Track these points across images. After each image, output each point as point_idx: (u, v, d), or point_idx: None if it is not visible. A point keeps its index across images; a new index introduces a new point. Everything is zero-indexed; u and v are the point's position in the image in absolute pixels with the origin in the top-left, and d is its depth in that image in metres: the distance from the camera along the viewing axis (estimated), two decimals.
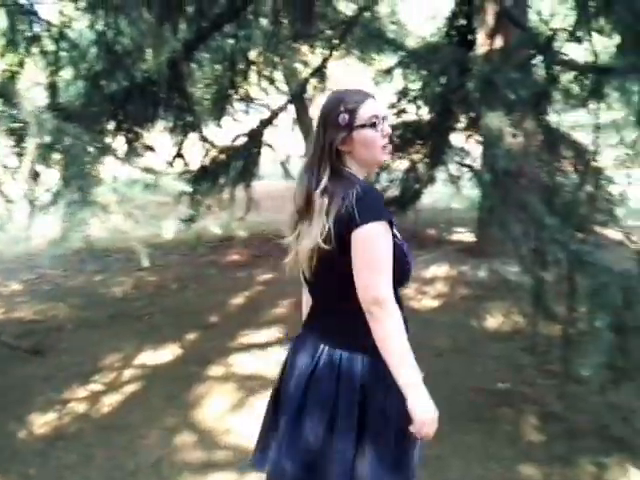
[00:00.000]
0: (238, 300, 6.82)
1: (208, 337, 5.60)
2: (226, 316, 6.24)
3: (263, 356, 5.09)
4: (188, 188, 5.04)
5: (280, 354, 5.08)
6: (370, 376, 1.97)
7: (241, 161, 7.91)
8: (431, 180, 9.25)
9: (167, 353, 5.24)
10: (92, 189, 3.02)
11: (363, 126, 2.00)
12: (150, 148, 7.13)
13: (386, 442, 1.97)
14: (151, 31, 5.70)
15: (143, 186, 3.35)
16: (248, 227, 11.31)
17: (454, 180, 7.40)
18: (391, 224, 1.92)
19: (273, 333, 5.63)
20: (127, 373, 4.87)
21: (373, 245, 1.87)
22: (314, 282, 2.11)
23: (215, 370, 4.84)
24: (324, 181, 1.96)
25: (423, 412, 1.86)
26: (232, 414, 4.11)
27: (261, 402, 4.20)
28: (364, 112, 2.01)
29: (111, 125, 6.58)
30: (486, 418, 3.87)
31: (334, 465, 1.95)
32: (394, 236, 1.96)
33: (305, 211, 2.01)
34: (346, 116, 1.99)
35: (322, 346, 2.04)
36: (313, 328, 2.18)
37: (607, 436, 3.62)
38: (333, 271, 1.98)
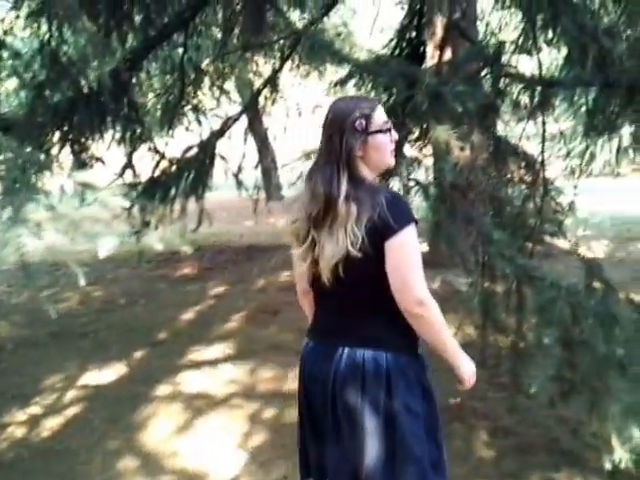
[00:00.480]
0: (188, 315, 6.68)
1: (156, 355, 5.46)
2: (175, 332, 6.10)
3: (212, 373, 4.98)
4: (126, 203, 4.90)
5: (230, 371, 4.99)
6: (394, 373, 2.01)
7: (192, 172, 7.79)
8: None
9: (112, 372, 5.08)
10: (24, 206, 2.89)
11: (378, 131, 2.05)
12: (99, 160, 6.98)
13: (417, 435, 2.01)
14: (94, 41, 5.55)
15: (81, 201, 3.24)
16: (200, 239, 11.22)
17: (407, 191, 7.37)
18: (416, 222, 1.99)
19: (223, 349, 5.52)
20: (69, 394, 4.71)
21: (410, 249, 1.94)
22: (337, 289, 2.07)
23: (162, 389, 4.70)
24: (345, 188, 1.97)
25: (471, 369, 2.14)
26: (178, 436, 3.97)
27: (208, 423, 4.10)
28: (378, 117, 2.06)
29: (56, 136, 6.42)
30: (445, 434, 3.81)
31: (367, 461, 1.99)
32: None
33: (322, 219, 2.02)
34: (363, 121, 2.01)
35: (341, 348, 2.07)
36: (330, 333, 2.18)
37: (557, 450, 3.59)
38: (363, 276, 2.02)
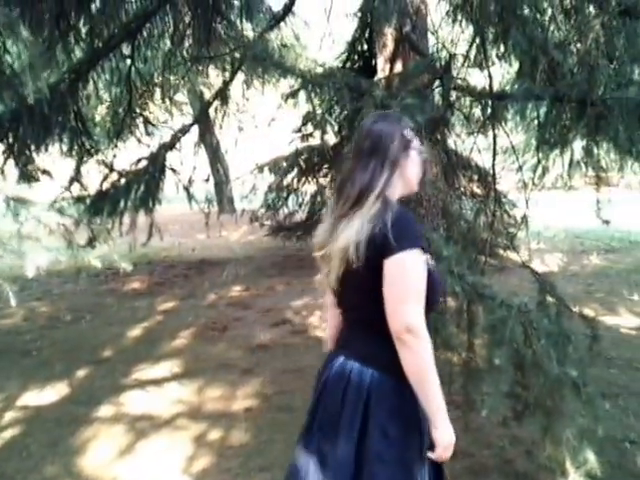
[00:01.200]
0: (135, 332, 6.50)
1: (99, 374, 5.26)
2: (121, 350, 5.91)
3: (157, 393, 4.82)
4: (58, 218, 4.75)
5: (176, 390, 4.84)
6: (376, 391, 1.96)
7: (142, 185, 7.65)
8: None
9: (54, 392, 4.88)
10: None
11: (413, 147, 2.11)
12: (46, 172, 6.81)
13: (387, 461, 1.93)
14: (37, 52, 5.39)
15: (15, 217, 3.10)
16: (151, 253, 11.05)
17: None
18: (424, 250, 1.95)
19: (170, 367, 5.36)
20: (7, 416, 4.49)
21: (406, 274, 1.88)
22: (343, 301, 2.16)
23: (104, 410, 4.52)
24: (381, 187, 1.98)
25: (448, 438, 1.93)
26: (119, 460, 3.80)
27: (151, 445, 3.95)
28: (411, 134, 2.12)
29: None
30: None
31: (333, 473, 1.98)
32: (426, 262, 1.96)
33: (345, 214, 2.01)
34: (408, 138, 2.08)
35: (340, 357, 2.09)
36: (337, 343, 2.24)
37: (511, 472, 3.53)
38: (359, 288, 2.02)
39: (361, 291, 2.01)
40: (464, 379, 3.56)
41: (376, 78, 6.53)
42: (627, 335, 5.99)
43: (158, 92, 10.10)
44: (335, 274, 2.03)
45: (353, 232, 1.92)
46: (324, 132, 7.72)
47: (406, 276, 1.87)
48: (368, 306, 1.98)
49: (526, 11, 4.43)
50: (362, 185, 1.99)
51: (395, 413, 1.95)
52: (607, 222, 4.79)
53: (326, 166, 9.73)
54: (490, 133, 4.84)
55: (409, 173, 2.10)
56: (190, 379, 5.06)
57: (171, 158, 7.89)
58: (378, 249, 1.88)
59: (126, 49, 7.37)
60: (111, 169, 7.49)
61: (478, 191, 6.73)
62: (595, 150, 4.92)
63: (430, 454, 1.93)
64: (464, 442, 3.84)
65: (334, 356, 2.14)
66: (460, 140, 6.16)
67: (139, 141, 9.19)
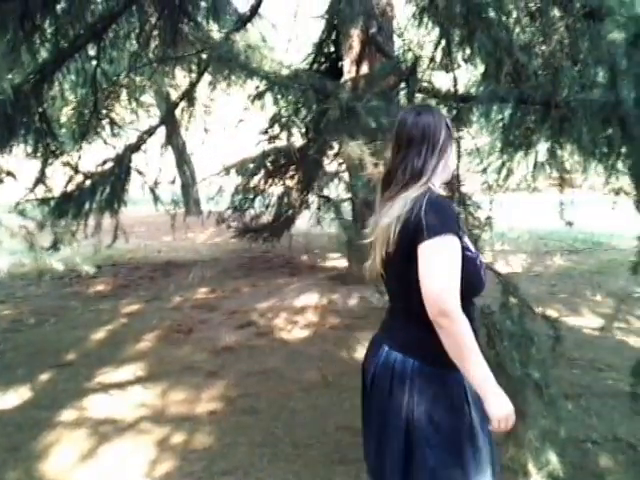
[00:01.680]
0: (99, 335, 6.42)
1: (62, 377, 5.19)
2: (84, 353, 5.83)
3: (121, 397, 4.76)
4: (20, 221, 4.69)
5: (140, 394, 4.79)
6: (419, 380, 2.02)
7: (107, 187, 7.60)
8: (305, 205, 9.22)
9: (16, 396, 4.80)
10: None
11: (453, 137, 2.23)
12: (10, 174, 6.72)
13: (435, 446, 1.99)
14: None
15: None
16: (116, 255, 10.95)
17: (318, 208, 7.36)
18: (459, 235, 1.96)
19: (134, 371, 5.30)
20: None
21: (440, 258, 1.91)
22: (387, 289, 2.24)
23: (67, 415, 4.45)
24: (429, 175, 2.06)
25: (501, 410, 1.95)
26: (81, 465, 3.75)
27: (114, 449, 3.91)
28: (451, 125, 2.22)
29: None
30: (352, 459, 3.68)
31: (389, 462, 2.06)
32: (465, 248, 2.00)
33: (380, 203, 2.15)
34: (450, 129, 2.17)
35: (385, 347, 2.13)
36: (381, 330, 2.28)
37: None
38: (397, 276, 2.10)
39: (399, 279, 2.09)
40: None
41: (343, 80, 6.57)
42: (590, 336, 6.06)
43: (124, 93, 10.04)
44: (380, 258, 2.08)
45: (395, 212, 2.00)
46: (290, 134, 7.74)
47: (440, 260, 1.91)
48: (407, 294, 2.03)
49: (491, 14, 4.46)
50: (414, 171, 2.06)
51: (439, 399, 2.01)
52: (570, 223, 4.84)
53: (293, 168, 9.72)
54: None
55: (451, 161, 2.21)
56: (154, 382, 5.01)
57: (137, 159, 7.85)
58: (412, 234, 1.95)
59: (92, 50, 7.30)
60: (76, 170, 7.43)
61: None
62: (559, 152, 4.98)
63: (490, 427, 2.00)
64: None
65: (379, 344, 2.18)
66: None
67: (105, 142, 9.12)
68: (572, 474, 3.45)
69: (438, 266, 1.90)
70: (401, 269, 2.03)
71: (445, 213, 1.98)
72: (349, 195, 6.46)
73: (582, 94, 3.84)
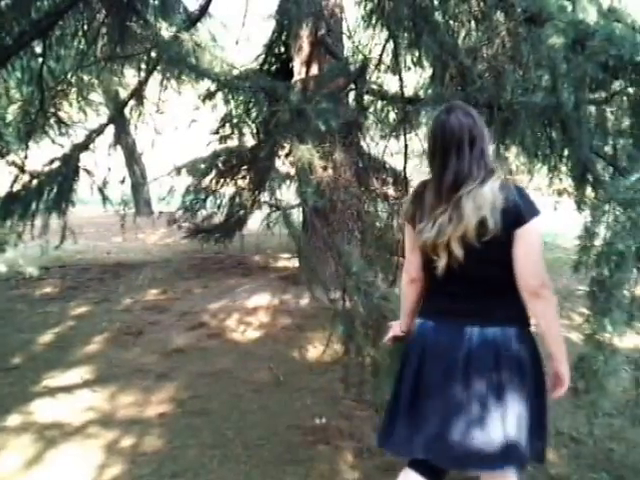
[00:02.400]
0: (46, 338, 6.29)
1: (7, 381, 5.07)
2: (30, 357, 5.71)
3: (68, 401, 4.67)
4: None
5: (88, 397, 4.73)
6: (522, 346, 2.26)
7: (55, 187, 7.47)
8: (257, 206, 9.20)
9: None
10: None
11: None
12: None
13: (542, 406, 2.31)
14: None
15: None
16: (64, 256, 10.77)
17: (268, 215, 7.37)
18: None
19: (82, 374, 5.21)
20: None
21: (538, 237, 2.23)
22: (461, 270, 2.28)
23: (12, 419, 4.36)
24: (481, 177, 2.19)
25: (568, 375, 2.30)
26: (27, 470, 3.67)
27: (61, 454, 3.84)
28: None
29: None
30: (302, 459, 3.71)
31: (512, 427, 2.19)
32: None
33: (446, 201, 2.23)
34: None
35: (474, 328, 2.26)
36: (455, 314, 2.34)
37: None
38: (489, 259, 2.25)
39: (493, 262, 2.26)
40: (375, 380, 3.61)
41: (293, 81, 6.57)
42: (534, 332, 6.16)
43: (72, 91, 9.88)
44: (462, 251, 2.21)
45: (487, 204, 2.15)
46: (242, 134, 7.72)
47: (539, 239, 2.24)
48: (498, 273, 2.26)
49: (438, 17, 4.52)
50: (488, 166, 2.25)
51: (536, 352, 2.31)
52: None
53: (244, 168, 9.70)
54: (403, 136, 4.93)
55: (491, 154, 2.40)
56: (102, 385, 4.95)
57: (85, 159, 7.73)
58: (512, 218, 2.15)
59: (38, 47, 7.19)
60: (22, 170, 7.31)
61: (392, 194, 6.82)
62: (506, 153, 5.07)
63: (557, 390, 2.32)
64: (375, 440, 3.89)
65: (460, 329, 2.29)
66: (374, 143, 6.24)
67: (53, 141, 8.98)
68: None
69: (538, 244, 2.23)
70: (498, 253, 2.22)
71: (530, 197, 2.25)
72: (299, 201, 6.49)
73: (525, 97, 3.91)
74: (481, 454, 2.20)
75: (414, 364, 2.38)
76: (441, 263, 2.27)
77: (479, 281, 2.32)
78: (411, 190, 2.50)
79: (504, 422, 2.18)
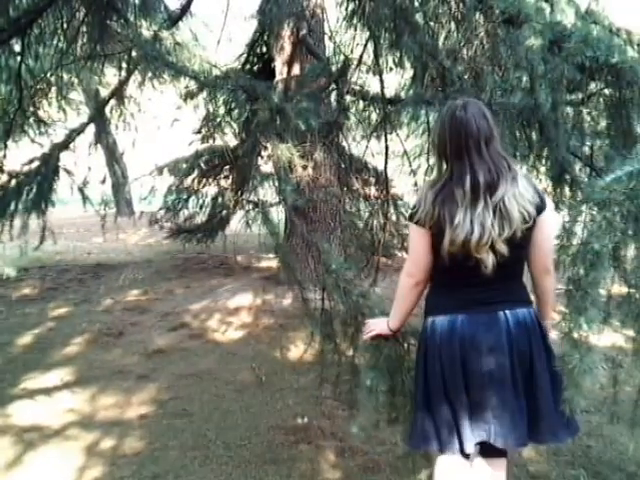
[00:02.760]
0: (25, 340, 6.25)
1: None
2: (9, 359, 5.67)
3: (48, 403, 4.65)
4: None
5: (68, 399, 4.70)
6: (537, 321, 2.44)
7: (34, 187, 7.41)
8: (239, 206, 9.19)
9: None
10: None
11: None
12: None
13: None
14: None
15: None
16: (44, 257, 10.71)
17: (247, 211, 7.34)
18: None
19: (61, 376, 5.18)
20: None
21: (554, 219, 2.41)
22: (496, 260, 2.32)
23: None
24: (511, 176, 2.29)
25: None
26: (7, 473, 3.65)
27: (40, 457, 3.82)
28: None
29: None
30: (284, 458, 3.72)
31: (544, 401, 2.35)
32: None
33: (477, 198, 2.27)
34: None
35: (504, 313, 2.37)
36: (485, 302, 2.39)
37: (404, 468, 3.58)
38: (520, 245, 2.33)
39: (520, 247, 2.34)
40: (351, 379, 3.61)
41: (275, 81, 6.58)
42: None
43: (52, 90, 9.81)
44: (505, 250, 2.27)
45: (527, 203, 2.28)
46: (224, 134, 7.70)
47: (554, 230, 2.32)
48: (521, 257, 2.41)
49: (419, 19, 4.54)
50: (509, 161, 2.36)
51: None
52: None
53: (227, 168, 9.69)
54: (384, 137, 4.94)
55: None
56: (82, 387, 4.92)
57: (65, 158, 7.67)
58: (538, 206, 2.32)
59: (16, 45, 7.13)
60: (1, 170, 7.24)
61: (373, 194, 6.85)
62: None
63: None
64: (357, 440, 3.90)
65: (492, 316, 2.37)
66: (355, 143, 6.26)
67: (32, 141, 8.92)
68: None
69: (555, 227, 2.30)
70: (524, 239, 2.32)
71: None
72: (278, 199, 6.48)
73: (504, 98, 3.93)
74: (553, 427, 2.36)
75: (454, 362, 2.37)
76: (488, 262, 2.29)
77: (504, 267, 2.35)
78: (421, 192, 2.43)
79: (554, 395, 2.29)
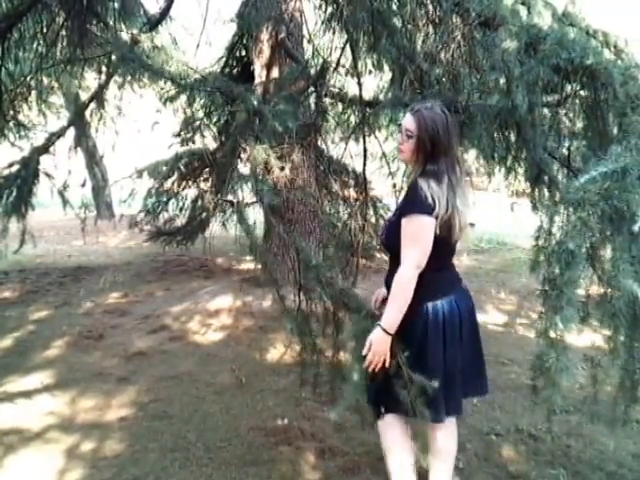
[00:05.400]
0: (5, 343, 6.20)
1: None
2: None
3: (28, 406, 4.62)
4: None
5: (47, 402, 4.68)
6: None
7: (14, 190, 7.38)
8: (219, 208, 9.19)
9: None
10: None
11: None
12: None
13: None
14: None
15: None
16: (24, 260, 10.65)
17: (223, 211, 7.35)
18: None
19: (41, 378, 5.15)
20: None
21: None
22: (454, 245, 2.84)
23: None
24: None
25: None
26: None
27: (20, 460, 3.80)
28: None
29: None
30: (264, 460, 3.73)
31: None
32: None
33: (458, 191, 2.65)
34: None
35: (467, 291, 2.93)
36: (458, 283, 2.91)
37: (384, 469, 3.59)
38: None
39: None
40: (331, 378, 3.63)
41: (254, 84, 6.59)
42: (494, 332, 6.27)
43: (32, 94, 9.78)
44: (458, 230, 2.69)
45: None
46: (203, 136, 7.71)
47: None
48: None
49: (396, 22, 4.57)
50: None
51: None
52: (472, 224, 5.00)
53: (207, 170, 9.68)
54: (362, 139, 4.97)
55: None
56: (63, 390, 4.90)
57: (45, 162, 7.64)
58: None
59: None
60: None
61: (352, 195, 6.89)
62: (464, 155, 5.13)
63: None
64: (338, 441, 3.93)
65: (464, 291, 2.91)
66: (334, 145, 6.29)
67: (12, 144, 8.88)
68: (477, 465, 3.60)
69: None
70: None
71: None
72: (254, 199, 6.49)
73: (481, 100, 3.98)
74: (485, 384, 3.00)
75: (455, 337, 2.73)
76: (459, 238, 2.74)
77: (450, 257, 2.90)
78: (435, 188, 2.62)
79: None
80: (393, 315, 2.60)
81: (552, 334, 2.24)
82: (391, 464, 3.01)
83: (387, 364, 2.66)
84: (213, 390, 4.87)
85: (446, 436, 3.02)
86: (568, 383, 2.22)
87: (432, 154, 2.63)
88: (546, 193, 4.13)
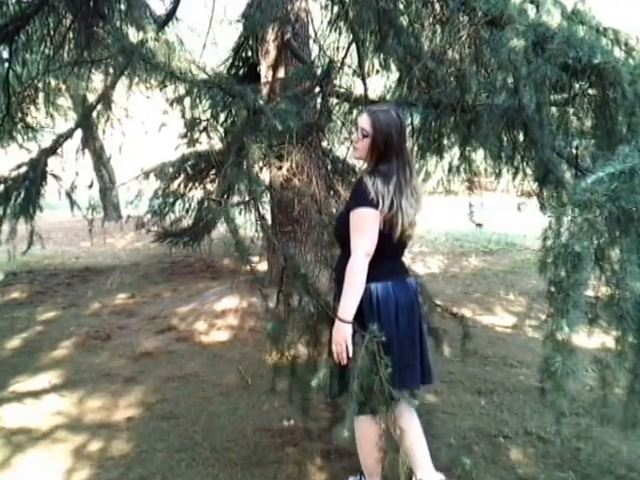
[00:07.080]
0: (13, 343, 6.24)
1: None
2: None
3: (36, 405, 4.64)
4: None
5: (56, 402, 4.69)
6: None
7: (22, 192, 7.39)
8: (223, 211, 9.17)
9: None
10: None
11: None
12: None
13: None
14: None
15: None
16: (32, 261, 10.68)
17: (220, 201, 7.33)
18: None
19: (49, 379, 5.17)
20: None
21: None
22: (405, 238, 2.95)
23: None
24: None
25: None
26: None
27: (28, 459, 3.81)
28: None
29: None
30: (270, 461, 3.72)
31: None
32: None
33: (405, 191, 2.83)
34: None
35: (408, 280, 3.04)
36: (402, 272, 3.07)
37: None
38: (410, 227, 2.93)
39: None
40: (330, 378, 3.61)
41: (260, 84, 6.58)
42: (502, 333, 6.23)
43: (40, 96, 9.80)
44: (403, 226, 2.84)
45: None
46: (210, 137, 7.69)
47: None
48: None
49: (403, 21, 4.56)
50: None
51: None
52: (480, 225, 4.99)
53: (213, 172, 9.68)
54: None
55: None
56: (70, 390, 4.91)
57: (53, 164, 7.66)
58: None
59: (4, 52, 7.12)
60: None
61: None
62: (472, 155, 5.12)
63: None
64: (343, 442, 3.90)
65: (405, 281, 3.02)
66: (339, 146, 6.27)
67: (20, 146, 8.91)
68: (484, 467, 3.58)
69: None
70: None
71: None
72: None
73: (488, 99, 3.96)
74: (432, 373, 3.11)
75: (391, 318, 2.86)
76: (409, 234, 2.94)
77: (405, 243, 3.01)
78: (381, 186, 2.77)
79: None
80: (349, 301, 2.77)
81: (558, 337, 2.21)
82: (365, 462, 3.25)
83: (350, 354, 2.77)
84: (219, 391, 4.87)
85: (401, 416, 2.98)
86: (575, 387, 2.20)
87: (385, 155, 2.82)
88: (554, 193, 4.10)
